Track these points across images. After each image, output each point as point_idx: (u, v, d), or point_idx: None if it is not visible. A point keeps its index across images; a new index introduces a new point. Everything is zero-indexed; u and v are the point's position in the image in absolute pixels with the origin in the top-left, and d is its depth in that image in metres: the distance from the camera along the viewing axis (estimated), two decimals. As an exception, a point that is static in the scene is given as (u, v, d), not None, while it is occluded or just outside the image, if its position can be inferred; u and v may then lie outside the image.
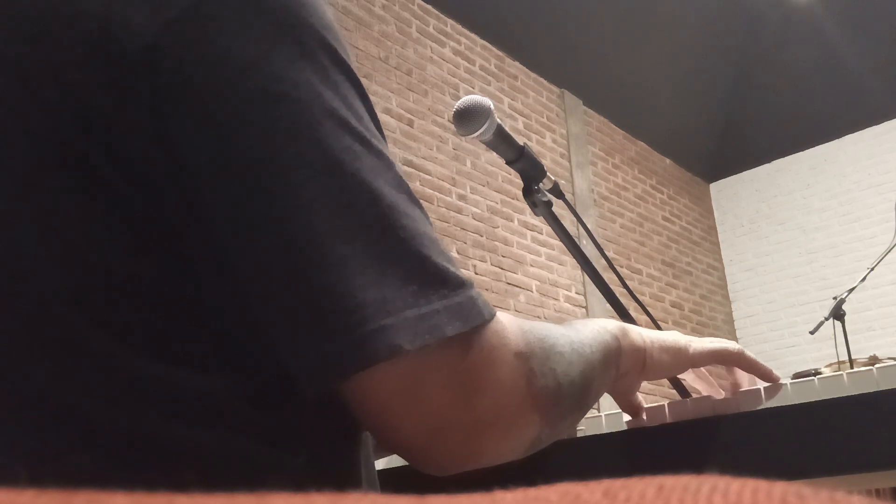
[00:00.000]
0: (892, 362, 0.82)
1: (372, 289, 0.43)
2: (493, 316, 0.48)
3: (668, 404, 0.74)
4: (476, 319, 0.46)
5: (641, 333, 0.69)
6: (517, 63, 5.05)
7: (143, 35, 0.43)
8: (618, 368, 0.64)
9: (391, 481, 0.75)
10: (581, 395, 0.56)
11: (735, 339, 6.28)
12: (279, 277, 0.43)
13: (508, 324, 0.50)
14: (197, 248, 0.46)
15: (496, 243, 4.40)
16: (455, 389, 0.45)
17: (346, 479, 0.49)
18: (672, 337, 0.72)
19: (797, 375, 1.95)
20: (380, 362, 0.42)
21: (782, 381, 0.71)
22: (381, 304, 0.43)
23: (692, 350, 0.73)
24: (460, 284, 0.46)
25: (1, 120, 0.45)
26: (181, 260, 0.45)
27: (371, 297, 0.43)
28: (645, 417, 0.76)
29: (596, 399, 0.61)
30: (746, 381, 0.77)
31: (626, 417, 0.76)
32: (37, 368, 0.43)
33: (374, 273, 0.43)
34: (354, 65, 0.49)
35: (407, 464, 0.49)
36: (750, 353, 0.75)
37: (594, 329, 0.62)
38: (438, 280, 0.45)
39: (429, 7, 4.51)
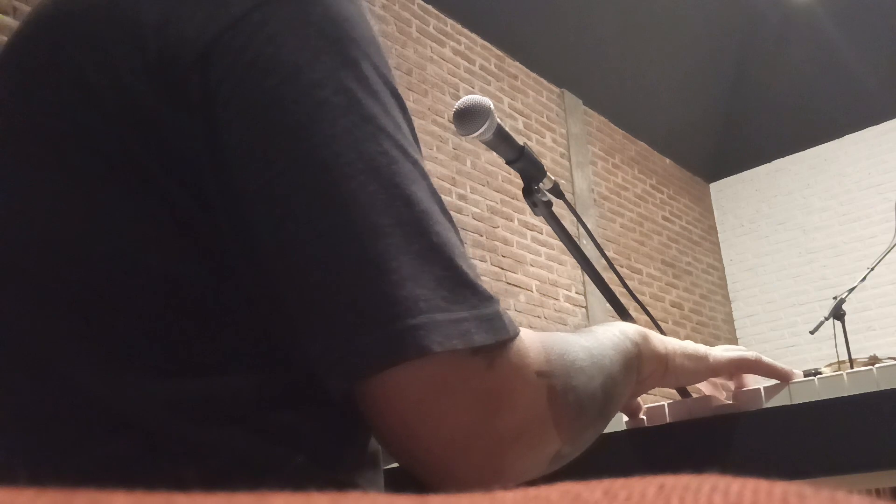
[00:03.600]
0: (892, 362, 0.82)
1: (406, 287, 0.43)
2: (517, 333, 0.48)
3: (668, 404, 0.74)
4: (502, 334, 0.46)
5: (663, 339, 0.69)
6: (517, 63, 5.04)
7: (197, 43, 0.45)
8: (639, 374, 0.64)
9: (392, 481, 0.75)
10: (602, 408, 0.56)
11: (735, 338, 6.29)
12: (317, 271, 0.44)
13: (530, 341, 0.50)
14: (230, 249, 0.46)
15: (496, 243, 4.40)
16: (477, 407, 0.45)
17: (350, 478, 0.49)
18: (692, 345, 0.73)
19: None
20: (408, 360, 0.42)
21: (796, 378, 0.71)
22: (414, 303, 0.43)
23: (712, 359, 0.74)
24: (488, 297, 0.47)
25: (60, 123, 0.47)
26: (213, 262, 0.46)
27: (404, 295, 0.43)
28: (644, 418, 0.76)
29: (619, 408, 0.61)
30: (752, 384, 0.77)
31: (625, 418, 0.77)
32: (69, 364, 0.44)
33: (409, 272, 0.43)
34: (395, 80, 0.50)
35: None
36: (767, 358, 0.75)
37: (614, 336, 0.61)
38: (468, 289, 0.46)
39: (429, 7, 4.51)
